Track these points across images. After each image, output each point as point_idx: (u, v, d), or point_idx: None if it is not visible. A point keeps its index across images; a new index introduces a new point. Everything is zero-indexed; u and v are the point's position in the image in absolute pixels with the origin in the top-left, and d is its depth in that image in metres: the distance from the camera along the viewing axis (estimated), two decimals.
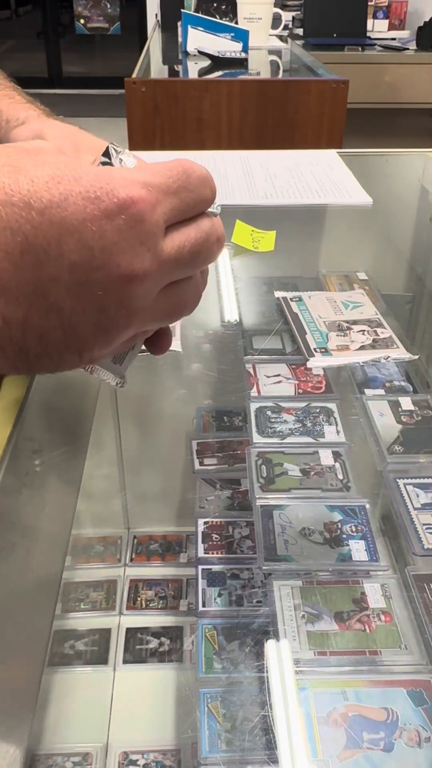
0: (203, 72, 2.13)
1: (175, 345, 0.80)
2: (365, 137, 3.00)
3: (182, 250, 0.35)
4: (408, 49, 3.56)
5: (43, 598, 0.66)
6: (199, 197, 0.37)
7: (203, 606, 0.62)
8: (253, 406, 0.79)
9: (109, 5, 5.88)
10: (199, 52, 2.22)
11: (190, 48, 2.26)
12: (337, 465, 0.72)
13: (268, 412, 0.78)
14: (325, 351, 0.84)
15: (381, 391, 0.81)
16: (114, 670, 0.64)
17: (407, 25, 3.80)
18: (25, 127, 0.61)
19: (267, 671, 0.54)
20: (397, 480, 0.68)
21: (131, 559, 0.75)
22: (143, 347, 0.44)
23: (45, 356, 0.34)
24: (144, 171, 0.35)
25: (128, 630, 0.67)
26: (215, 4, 2.56)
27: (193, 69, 2.18)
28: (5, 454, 0.66)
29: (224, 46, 2.23)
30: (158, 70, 2.35)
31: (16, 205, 0.31)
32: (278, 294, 0.96)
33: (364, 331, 0.87)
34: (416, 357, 0.84)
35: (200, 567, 0.66)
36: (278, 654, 0.54)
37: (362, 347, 0.84)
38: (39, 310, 0.32)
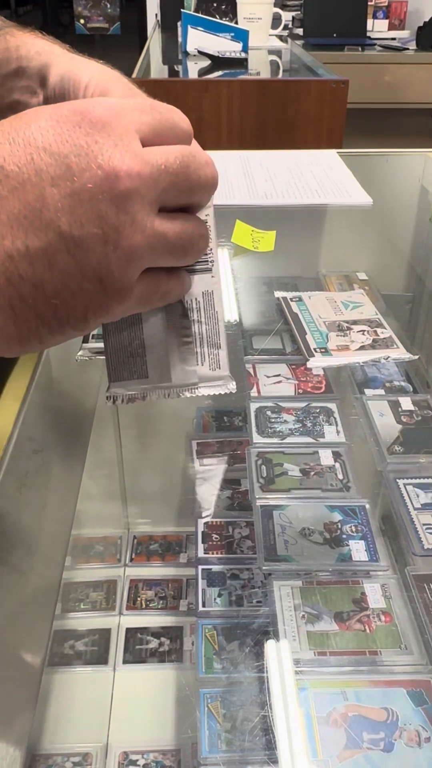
0: (203, 72, 2.13)
1: None
2: (365, 137, 3.00)
3: (168, 159, 0.34)
4: (408, 49, 3.56)
5: (43, 598, 0.66)
6: (170, 119, 0.36)
7: (203, 606, 0.62)
8: (253, 406, 0.79)
9: (109, 5, 5.88)
10: (199, 52, 2.22)
11: (190, 48, 2.26)
12: (337, 465, 0.72)
13: (268, 412, 0.78)
14: (325, 351, 0.84)
15: (381, 391, 0.81)
16: (114, 670, 0.64)
17: (407, 25, 3.80)
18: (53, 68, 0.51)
19: (267, 671, 0.54)
20: (397, 480, 0.68)
21: (131, 559, 0.75)
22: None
23: (64, 290, 0.32)
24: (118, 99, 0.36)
25: (128, 630, 0.67)
26: (215, 4, 2.56)
27: (193, 69, 2.18)
28: (5, 454, 0.66)
29: (224, 46, 2.23)
30: (158, 70, 2.35)
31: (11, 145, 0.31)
32: (278, 294, 0.96)
33: (364, 331, 0.87)
34: (416, 357, 0.84)
35: (200, 567, 0.66)
36: (278, 654, 0.54)
37: (362, 347, 0.84)
38: (37, 234, 0.31)
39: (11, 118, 0.33)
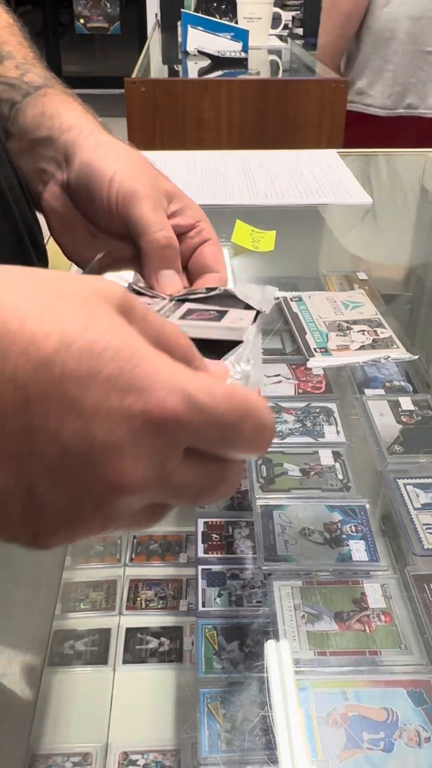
0: (203, 72, 2.13)
1: None
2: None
3: (194, 484, 0.31)
4: None
5: (43, 598, 0.66)
6: (244, 445, 0.31)
7: (203, 606, 0.62)
8: None
9: (109, 5, 5.89)
10: (199, 51, 2.22)
11: (190, 48, 2.26)
12: (337, 465, 0.72)
13: None
14: (325, 351, 0.84)
15: (381, 391, 0.81)
16: (114, 670, 0.64)
17: None
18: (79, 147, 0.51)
19: (267, 671, 0.54)
20: (397, 480, 0.68)
21: (131, 559, 0.75)
22: None
23: None
24: (201, 381, 0.29)
25: (128, 630, 0.67)
26: (215, 4, 2.56)
27: (193, 69, 2.18)
28: None
29: (224, 45, 2.23)
30: (158, 69, 2.35)
31: (33, 362, 0.26)
32: (278, 294, 0.96)
33: (364, 331, 0.87)
34: (416, 357, 0.84)
35: (200, 567, 0.66)
36: (278, 654, 0.54)
37: (362, 347, 0.84)
38: (6, 480, 0.27)
39: (79, 340, 0.27)
